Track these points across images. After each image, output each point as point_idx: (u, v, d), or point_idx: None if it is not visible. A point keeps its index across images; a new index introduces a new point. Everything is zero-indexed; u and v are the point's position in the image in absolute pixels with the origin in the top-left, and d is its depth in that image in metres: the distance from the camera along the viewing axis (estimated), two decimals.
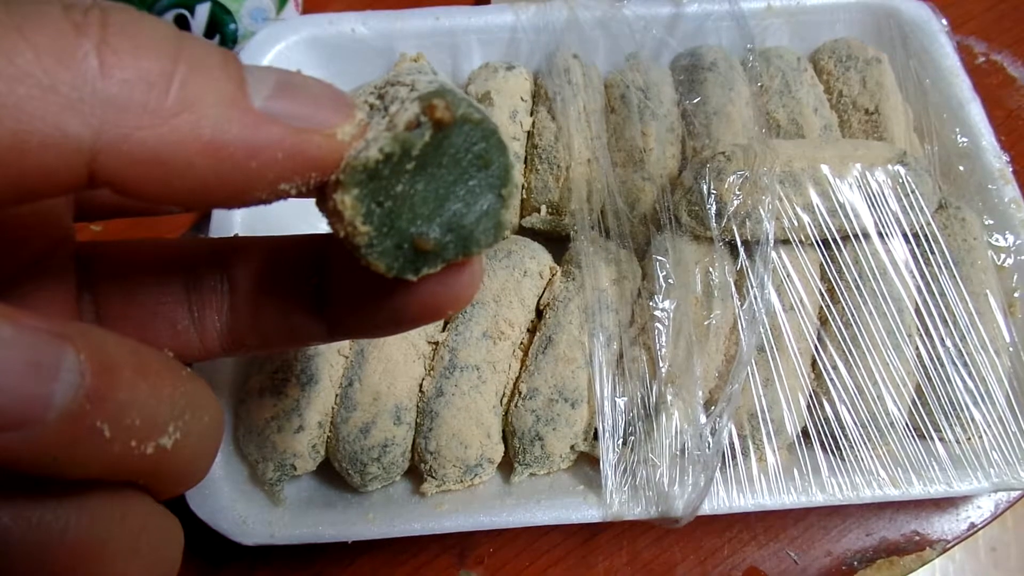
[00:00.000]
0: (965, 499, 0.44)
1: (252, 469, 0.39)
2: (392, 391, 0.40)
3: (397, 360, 0.40)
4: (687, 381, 0.39)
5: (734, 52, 0.51)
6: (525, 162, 0.49)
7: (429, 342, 0.42)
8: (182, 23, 0.52)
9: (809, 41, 0.53)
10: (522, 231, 0.49)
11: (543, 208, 0.47)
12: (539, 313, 0.44)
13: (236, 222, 0.44)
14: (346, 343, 0.41)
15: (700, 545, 0.42)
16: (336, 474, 0.41)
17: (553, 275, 0.44)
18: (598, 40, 0.52)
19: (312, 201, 0.20)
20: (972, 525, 0.43)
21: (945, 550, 0.43)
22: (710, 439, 0.38)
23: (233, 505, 0.38)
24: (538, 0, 0.53)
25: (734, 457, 0.39)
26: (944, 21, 0.51)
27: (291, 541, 0.37)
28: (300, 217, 0.50)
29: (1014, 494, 0.44)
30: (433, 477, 0.39)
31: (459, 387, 0.40)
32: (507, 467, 0.41)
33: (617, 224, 0.45)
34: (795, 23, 0.53)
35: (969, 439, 0.40)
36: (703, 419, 0.38)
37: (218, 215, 0.44)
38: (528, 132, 0.49)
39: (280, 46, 0.51)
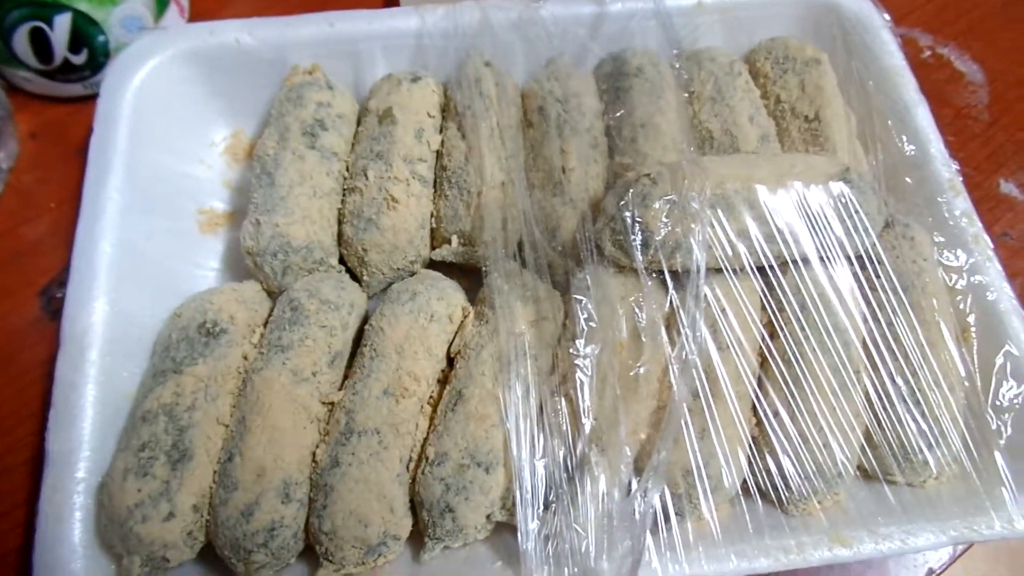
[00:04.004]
0: None
1: (118, 563, 0.34)
2: (279, 464, 0.34)
3: (284, 428, 0.35)
4: (613, 438, 0.35)
5: (663, 55, 0.47)
6: (434, 187, 0.44)
7: (323, 403, 0.37)
8: (39, 37, 0.46)
9: (744, 41, 0.49)
10: (432, 265, 0.44)
11: (454, 239, 0.42)
12: (450, 361, 0.39)
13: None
14: (226, 410, 0.36)
15: None
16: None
17: (465, 317, 0.40)
18: (514, 45, 0.47)
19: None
20: (930, 571, 0.40)
21: None
22: (640, 502, 0.34)
23: None
24: (447, 1, 0.47)
25: (668, 520, 0.35)
26: (887, 16, 0.48)
27: None
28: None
29: None
30: (330, 560, 0.35)
31: (356, 456, 0.35)
32: (418, 538, 0.36)
33: (535, 256, 0.40)
34: (728, 20, 0.49)
35: (924, 482, 0.37)
36: (632, 482, 0.34)
37: (79, 256, 0.39)
38: (437, 152, 0.44)
39: (154, 61, 0.45)
